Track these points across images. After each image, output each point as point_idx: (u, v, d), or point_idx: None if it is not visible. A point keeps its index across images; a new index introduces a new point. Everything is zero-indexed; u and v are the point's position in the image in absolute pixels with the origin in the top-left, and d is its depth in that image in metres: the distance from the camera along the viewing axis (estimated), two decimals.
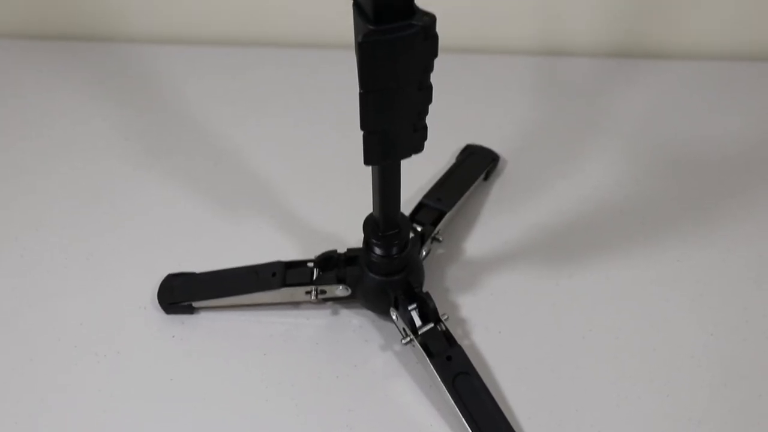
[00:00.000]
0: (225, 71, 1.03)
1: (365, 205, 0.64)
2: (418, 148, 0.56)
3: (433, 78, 0.51)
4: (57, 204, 0.84)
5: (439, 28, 0.48)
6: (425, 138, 0.55)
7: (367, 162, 0.55)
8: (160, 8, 1.07)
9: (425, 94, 0.52)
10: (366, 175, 0.59)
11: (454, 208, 0.78)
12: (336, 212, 0.80)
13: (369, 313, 0.71)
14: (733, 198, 0.82)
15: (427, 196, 0.78)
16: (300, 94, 0.99)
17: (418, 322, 0.65)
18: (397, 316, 0.66)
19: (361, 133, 0.53)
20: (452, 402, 0.61)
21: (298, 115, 0.95)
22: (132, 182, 0.86)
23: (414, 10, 0.48)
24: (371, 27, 0.47)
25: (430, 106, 0.53)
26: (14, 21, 1.10)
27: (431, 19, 0.48)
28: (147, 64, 1.04)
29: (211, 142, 0.91)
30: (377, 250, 0.65)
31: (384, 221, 0.63)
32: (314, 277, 0.69)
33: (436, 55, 0.50)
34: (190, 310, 0.72)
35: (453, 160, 0.86)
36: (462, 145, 0.88)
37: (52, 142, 0.92)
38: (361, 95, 0.50)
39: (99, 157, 0.90)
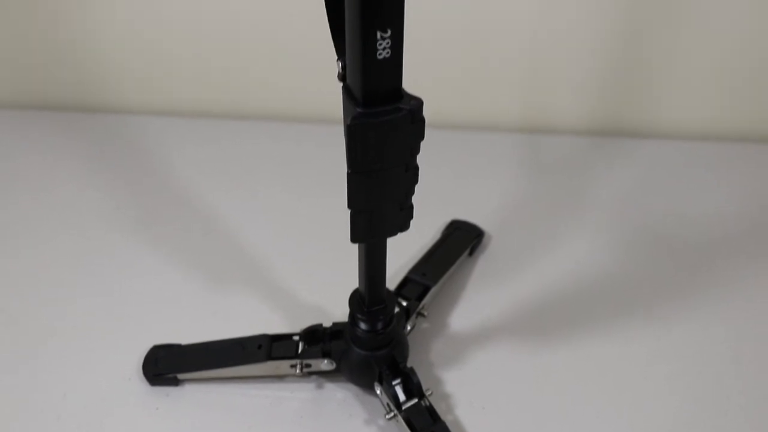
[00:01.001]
0: (215, 143, 1.05)
1: (352, 278, 0.65)
2: (404, 226, 0.57)
3: (420, 153, 0.53)
4: (44, 272, 0.84)
5: (427, 104, 0.50)
6: (411, 217, 0.57)
7: (353, 240, 0.56)
8: (153, 81, 1.09)
9: (412, 174, 0.54)
10: (352, 248, 0.60)
11: (439, 283, 0.79)
12: (322, 285, 0.81)
13: (353, 387, 0.71)
14: (713, 276, 0.83)
15: (412, 270, 0.79)
16: (289, 167, 1.00)
17: (402, 397, 0.65)
18: (381, 391, 0.66)
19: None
20: None
21: (287, 187, 0.97)
22: (120, 251, 0.87)
23: (402, 94, 0.50)
24: (360, 110, 0.49)
25: None
26: (5, 91, 1.12)
27: (418, 103, 0.50)
28: (139, 135, 1.06)
29: (200, 213, 0.92)
30: (362, 325, 0.65)
31: (370, 296, 0.64)
32: (299, 351, 0.69)
33: (422, 137, 0.52)
34: (175, 382, 0.72)
35: (439, 235, 0.87)
36: (447, 220, 0.90)
37: (43, 210, 0.93)
38: (348, 175, 0.52)
39: (88, 225, 0.91)
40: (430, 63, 1.01)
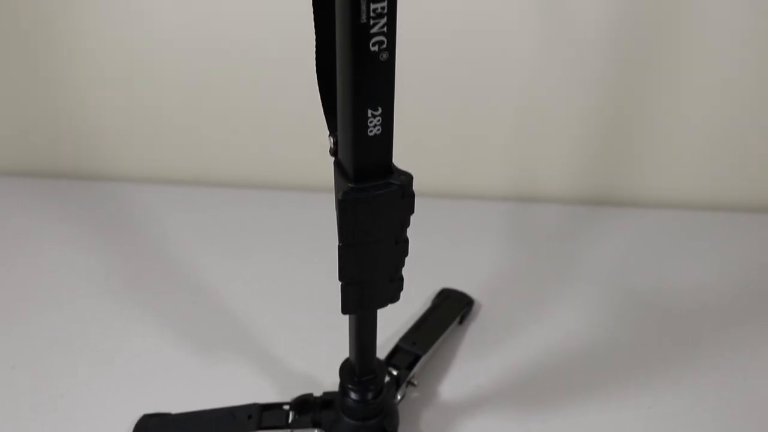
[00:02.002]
0: (207, 211, 1.06)
1: (342, 346, 0.66)
2: (395, 298, 0.58)
3: (410, 221, 0.54)
4: (33, 341, 0.84)
5: (415, 173, 0.51)
6: (401, 288, 0.57)
7: (344, 311, 0.57)
8: (146, 149, 1.10)
9: (402, 247, 0.55)
10: (344, 316, 0.60)
11: (429, 352, 0.79)
12: (313, 353, 0.81)
13: None
14: (703, 345, 0.84)
15: (402, 339, 0.79)
16: (281, 234, 1.01)
17: None
18: None
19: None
20: None
21: (278, 255, 0.98)
22: (110, 320, 0.87)
23: (392, 170, 0.51)
24: (351, 185, 0.50)
25: None
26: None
27: (408, 178, 0.51)
28: (132, 202, 1.07)
29: (190, 281, 0.93)
30: (353, 395, 0.66)
31: (360, 366, 0.64)
32: (290, 421, 0.69)
33: (412, 212, 0.53)
34: None
35: (429, 303, 0.88)
36: (437, 288, 0.90)
37: (33, 277, 0.93)
38: (340, 248, 0.53)
39: (78, 293, 0.91)
40: (419, 132, 1.03)
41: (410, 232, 0.54)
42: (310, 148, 1.01)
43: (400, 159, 0.52)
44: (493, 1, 0.93)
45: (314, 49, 0.52)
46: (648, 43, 0.95)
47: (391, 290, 0.57)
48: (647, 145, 1.04)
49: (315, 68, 0.52)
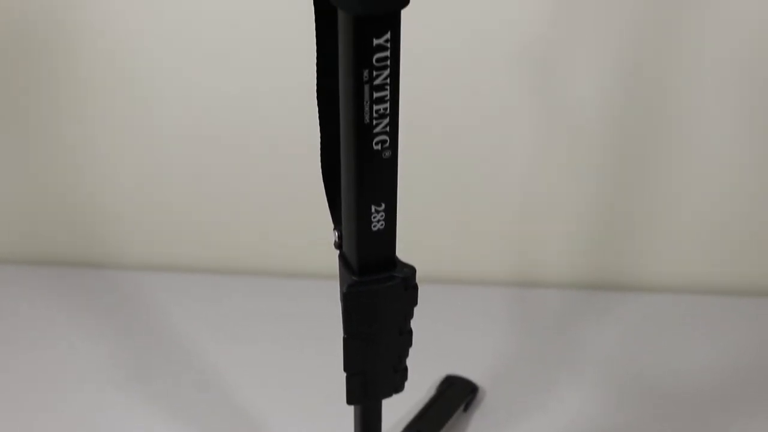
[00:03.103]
0: (213, 299, 1.06)
1: None
2: (399, 387, 0.58)
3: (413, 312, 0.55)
4: (36, 428, 0.84)
5: (417, 259, 0.53)
6: (405, 378, 0.58)
7: (349, 401, 0.58)
8: (153, 237, 1.12)
9: (406, 338, 0.56)
10: (349, 406, 0.61)
11: None
12: None
13: None
14: (705, 430, 0.84)
15: (407, 427, 0.79)
16: (287, 323, 1.02)
17: None
18: None
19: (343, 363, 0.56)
20: None
21: (283, 344, 0.98)
22: (114, 409, 0.87)
23: (395, 263, 0.53)
24: (355, 278, 0.51)
25: None
26: (3, 245, 1.14)
27: (411, 270, 0.53)
28: (137, 290, 1.08)
29: (196, 370, 0.93)
30: None
31: None
32: None
33: (416, 303, 0.54)
34: None
35: (433, 391, 0.88)
36: (442, 375, 0.90)
37: (38, 368, 0.93)
38: (344, 340, 0.54)
39: (84, 382, 0.91)
40: (420, 221, 1.05)
41: (413, 319, 0.55)
42: (316, 236, 1.03)
43: (401, 247, 0.53)
44: (490, 96, 0.95)
45: (319, 146, 0.53)
46: (649, 130, 0.97)
47: (396, 380, 0.58)
48: (648, 229, 1.05)
49: (320, 164, 0.54)
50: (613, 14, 0.89)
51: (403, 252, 0.54)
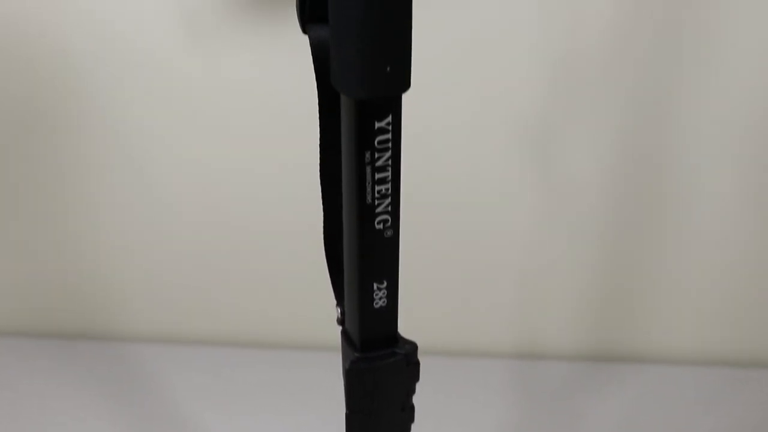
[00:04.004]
0: (215, 370, 1.06)
1: None
2: None
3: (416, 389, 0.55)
4: None
5: (418, 332, 0.53)
6: None
7: None
8: (155, 309, 1.12)
9: (408, 414, 0.56)
10: None
11: None
12: None
13: None
14: None
15: None
16: (288, 395, 1.01)
17: None
18: None
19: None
20: None
21: (287, 416, 0.97)
22: None
23: (397, 339, 0.53)
24: (357, 355, 0.52)
25: None
26: (4, 317, 1.14)
27: (413, 347, 0.53)
28: (139, 362, 1.08)
29: None
30: None
31: None
32: None
33: (417, 379, 0.54)
34: None
35: None
36: None
37: None
38: (347, 415, 0.54)
39: None
40: (422, 294, 1.05)
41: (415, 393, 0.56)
42: (320, 311, 1.03)
43: (402, 321, 0.54)
44: (490, 170, 0.97)
45: (322, 224, 0.54)
46: (649, 201, 0.98)
47: None
48: (650, 301, 1.05)
49: (323, 241, 0.55)
50: (611, 87, 0.91)
51: (404, 325, 0.55)
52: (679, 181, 0.96)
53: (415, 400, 0.56)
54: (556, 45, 0.89)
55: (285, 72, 0.91)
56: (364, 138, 0.45)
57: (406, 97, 0.46)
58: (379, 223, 0.48)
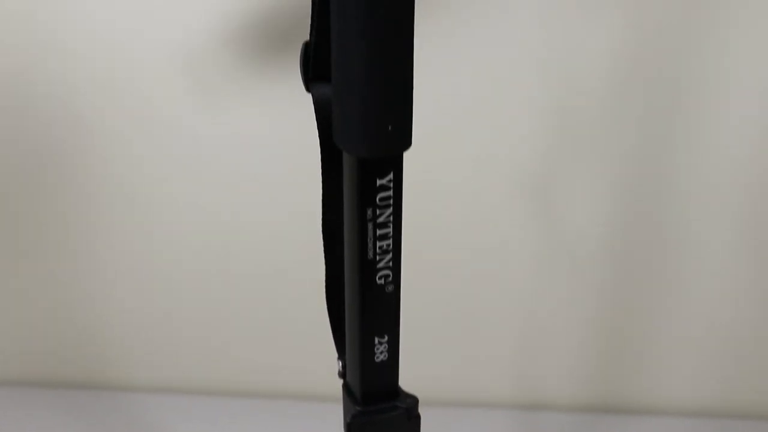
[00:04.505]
0: (216, 421, 1.06)
1: None
2: None
3: None
4: None
5: (421, 387, 0.53)
6: None
7: None
8: (157, 359, 1.12)
9: None
10: None
11: None
12: None
13: None
14: None
15: None
16: None
17: None
18: None
19: None
20: None
21: None
22: None
23: (398, 392, 0.53)
24: (359, 408, 0.52)
25: None
26: (4, 367, 1.14)
27: (414, 401, 0.53)
28: (141, 412, 1.07)
29: None
30: None
31: None
32: None
33: None
34: None
35: None
36: None
37: None
38: None
39: None
40: (423, 345, 1.05)
41: None
42: (320, 361, 1.03)
43: (404, 374, 0.54)
44: (490, 224, 0.97)
45: (324, 278, 0.55)
46: (649, 255, 0.98)
47: None
48: (650, 353, 1.05)
49: (325, 295, 0.56)
50: (610, 140, 0.92)
51: (405, 378, 0.55)
52: (678, 233, 0.97)
53: None
54: (555, 99, 0.90)
55: (290, 126, 0.92)
56: (366, 195, 0.46)
57: (407, 153, 0.47)
58: (380, 278, 0.48)
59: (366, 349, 0.50)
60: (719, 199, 0.95)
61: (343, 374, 0.55)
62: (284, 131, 0.93)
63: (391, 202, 0.47)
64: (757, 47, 0.86)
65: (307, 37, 0.50)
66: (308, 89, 0.51)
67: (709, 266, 0.99)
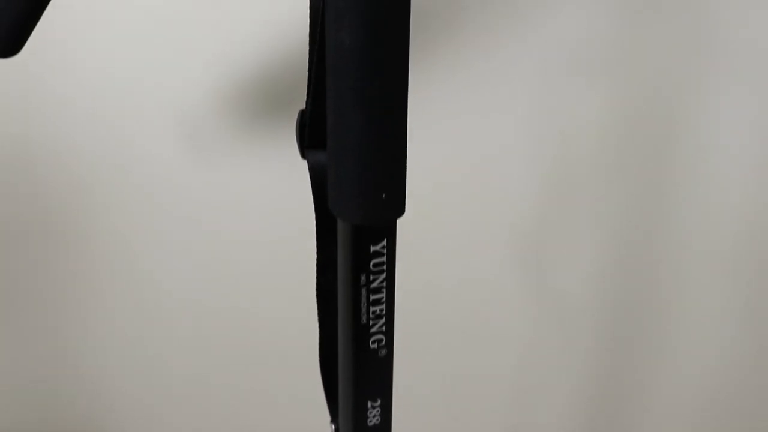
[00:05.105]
0: None
1: None
2: None
3: None
4: None
5: None
6: None
7: None
8: (149, 413, 1.11)
9: None
10: None
11: None
12: None
13: None
14: None
15: None
16: None
17: None
18: None
19: None
20: None
21: None
22: None
23: None
24: None
25: None
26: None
27: None
28: None
29: None
30: None
31: None
32: None
33: None
34: None
35: None
36: None
37: None
38: None
39: None
40: (416, 407, 1.05)
41: None
42: (313, 425, 1.03)
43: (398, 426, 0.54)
44: (481, 288, 0.98)
45: (318, 342, 0.55)
46: (640, 316, 0.99)
47: None
48: (642, 413, 1.05)
49: (318, 359, 0.56)
50: (604, 201, 0.93)
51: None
52: (672, 293, 0.97)
53: None
54: (548, 164, 0.91)
55: (285, 189, 0.93)
56: (360, 261, 0.47)
57: (400, 218, 0.48)
58: (373, 342, 0.49)
59: (359, 413, 0.51)
60: (714, 263, 0.95)
61: None
62: (279, 194, 0.94)
63: (385, 267, 0.47)
64: (746, 114, 0.87)
65: (304, 105, 0.51)
66: (303, 156, 0.52)
67: (702, 328, 0.99)
